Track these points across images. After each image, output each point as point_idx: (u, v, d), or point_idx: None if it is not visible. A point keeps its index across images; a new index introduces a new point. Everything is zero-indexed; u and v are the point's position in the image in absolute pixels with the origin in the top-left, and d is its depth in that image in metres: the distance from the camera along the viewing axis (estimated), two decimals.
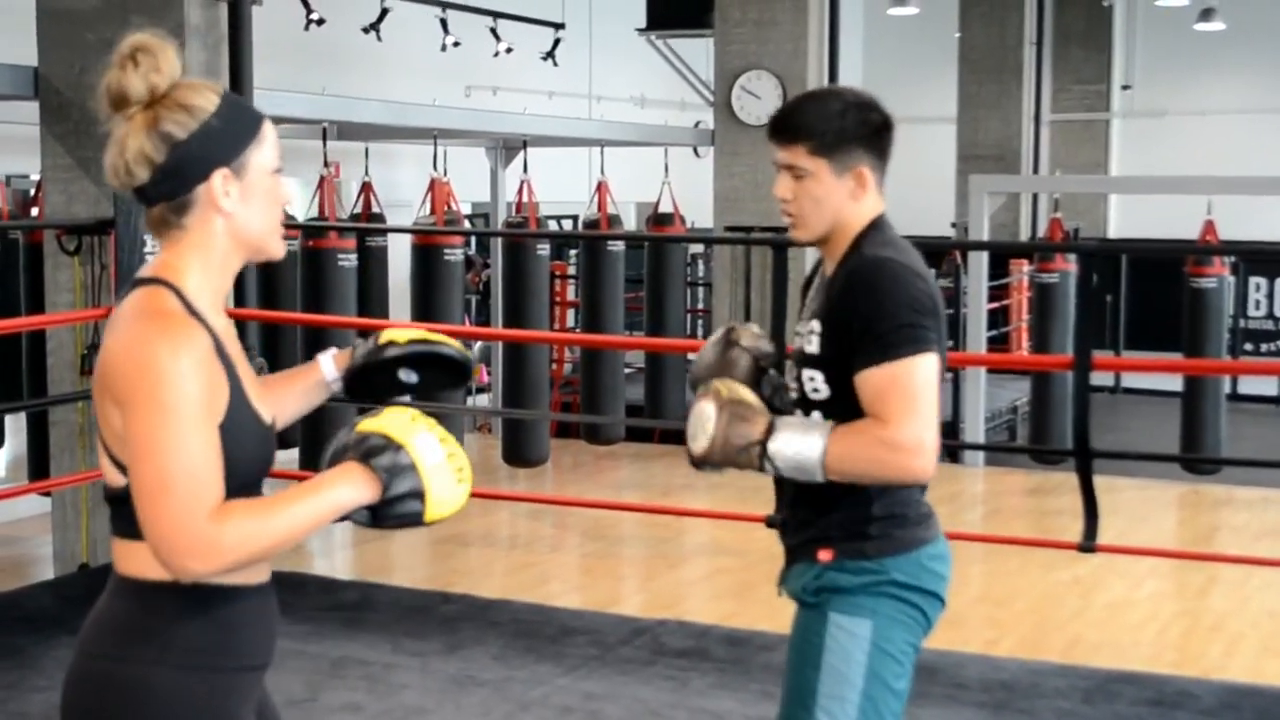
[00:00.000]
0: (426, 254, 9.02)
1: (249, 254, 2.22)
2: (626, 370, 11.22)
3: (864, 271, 2.65)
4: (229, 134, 2.14)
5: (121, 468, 2.09)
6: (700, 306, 14.58)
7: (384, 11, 10.58)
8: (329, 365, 2.54)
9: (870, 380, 2.58)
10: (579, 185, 12.66)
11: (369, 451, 2.11)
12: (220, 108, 2.14)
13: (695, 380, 2.87)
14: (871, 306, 2.60)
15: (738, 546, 8.06)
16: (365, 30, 10.58)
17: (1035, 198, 15.67)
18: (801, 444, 2.59)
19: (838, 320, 2.65)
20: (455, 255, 9.13)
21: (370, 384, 2.54)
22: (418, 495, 2.13)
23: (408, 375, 2.55)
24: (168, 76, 2.14)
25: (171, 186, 2.13)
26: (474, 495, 7.78)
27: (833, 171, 2.70)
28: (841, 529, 2.69)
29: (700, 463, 2.68)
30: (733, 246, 10.88)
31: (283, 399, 2.49)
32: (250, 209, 2.17)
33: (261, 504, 2.09)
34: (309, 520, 2.08)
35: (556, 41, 12.60)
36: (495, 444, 10.68)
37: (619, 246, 10.83)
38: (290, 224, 9.39)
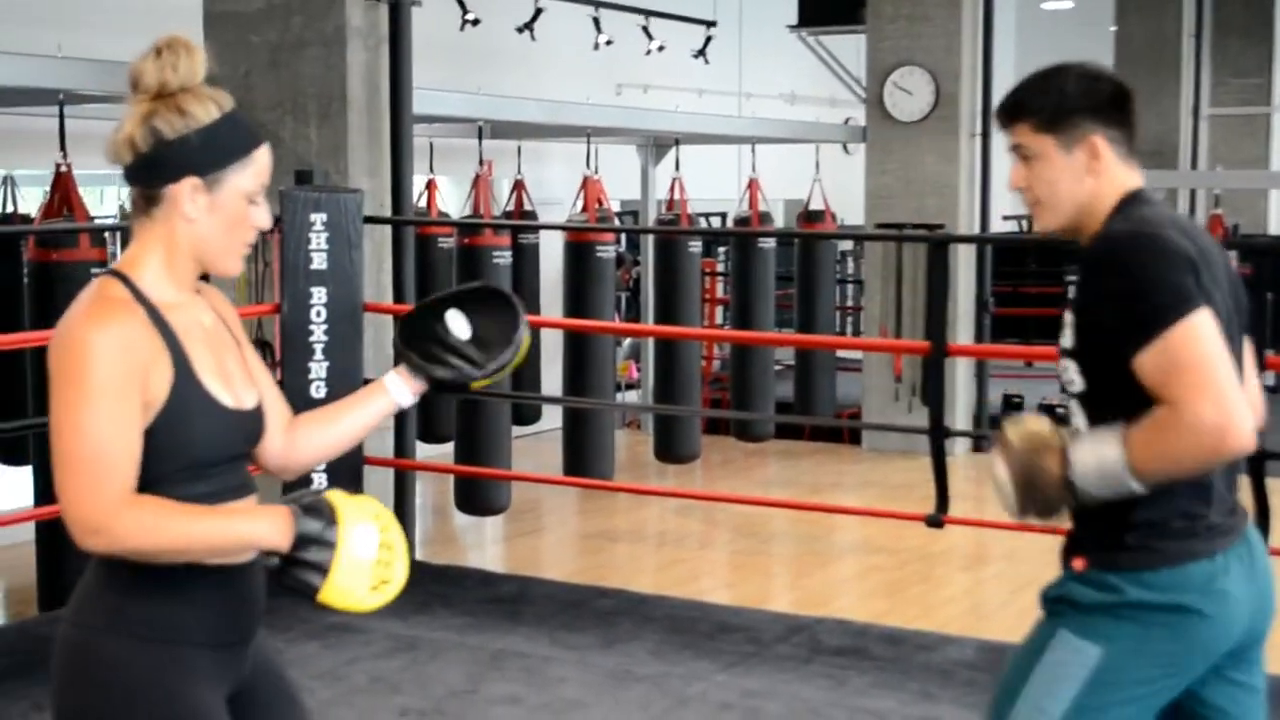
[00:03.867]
0: (579, 251, 9.08)
1: (201, 263, 2.32)
2: (776, 367, 11.20)
3: (1103, 250, 2.46)
4: (213, 148, 2.25)
5: None
6: (850, 304, 14.52)
7: (538, 11, 10.66)
8: (392, 375, 2.56)
9: (1147, 365, 2.35)
10: (728, 182, 12.65)
11: (308, 509, 2.21)
12: (216, 122, 2.25)
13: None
14: (1119, 285, 2.40)
15: (889, 545, 8.02)
16: (519, 30, 10.66)
17: (1193, 194, 15.35)
18: (1098, 456, 2.40)
19: (1084, 307, 2.47)
20: (607, 252, 9.18)
21: (427, 353, 2.52)
22: (321, 571, 2.19)
23: (457, 322, 2.54)
24: (182, 77, 2.24)
25: (146, 177, 2.27)
26: (624, 490, 7.81)
27: (1060, 147, 2.52)
28: (1097, 536, 2.49)
29: (1022, 516, 2.52)
30: (884, 244, 10.82)
31: (335, 418, 2.55)
32: (212, 223, 2.28)
33: (175, 507, 2.19)
34: (210, 539, 2.21)
35: (708, 39, 12.60)
36: (646, 440, 10.74)
37: (770, 244, 10.82)
38: (445, 221, 9.51)
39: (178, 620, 2.25)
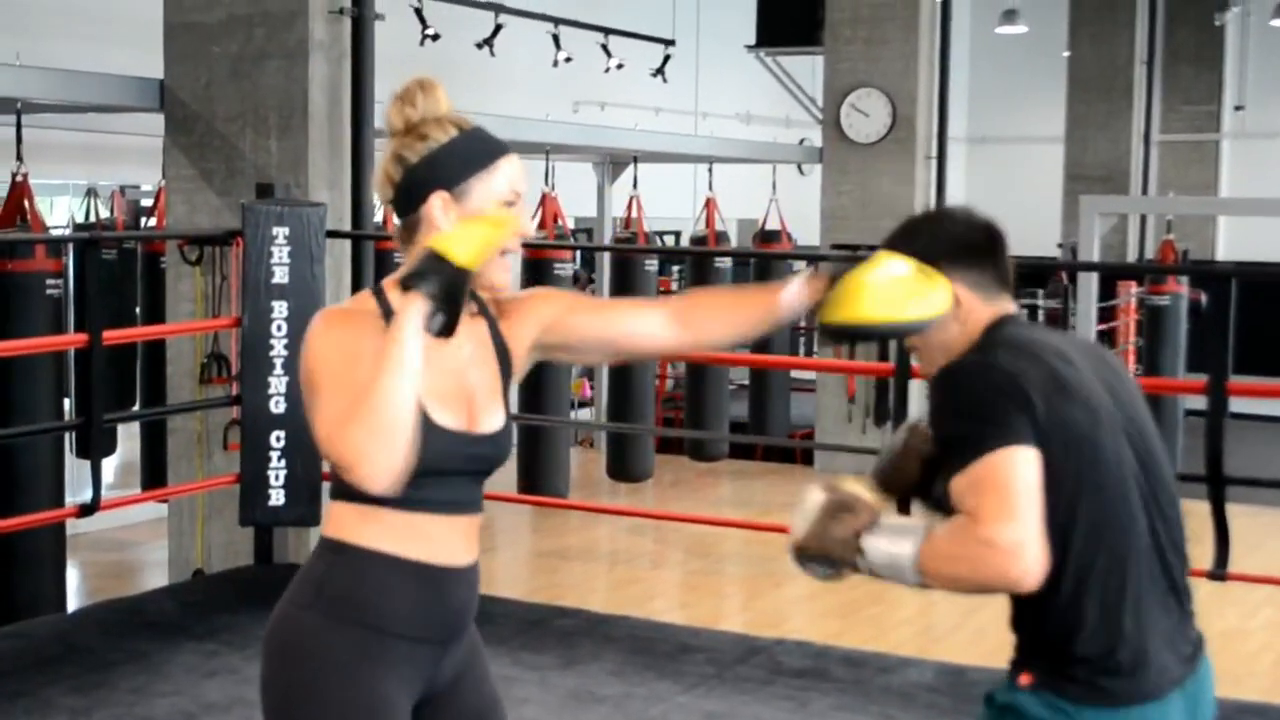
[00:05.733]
0: (537, 268, 9.07)
1: None
2: (730, 387, 11.21)
3: (936, 383, 2.42)
4: (455, 161, 2.38)
5: None
6: (805, 324, 14.55)
7: (497, 27, 10.65)
8: (795, 288, 2.61)
9: (959, 485, 2.28)
10: (683, 201, 12.67)
11: (415, 278, 2.28)
12: (454, 140, 2.39)
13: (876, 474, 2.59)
14: (946, 417, 2.37)
15: None
16: (478, 46, 10.65)
17: (1144, 219, 15.50)
18: (894, 544, 2.35)
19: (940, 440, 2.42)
20: (565, 270, 9.17)
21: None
22: (442, 259, 2.27)
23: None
24: (422, 111, 2.41)
25: (403, 204, 2.42)
26: (578, 508, 7.72)
27: None
28: (1045, 659, 2.36)
29: (798, 554, 2.45)
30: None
31: (719, 313, 2.65)
32: None
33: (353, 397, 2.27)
34: (394, 365, 2.22)
35: (666, 58, 12.63)
36: (598, 458, 10.72)
37: (726, 263, 10.84)
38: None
39: (379, 607, 2.33)
